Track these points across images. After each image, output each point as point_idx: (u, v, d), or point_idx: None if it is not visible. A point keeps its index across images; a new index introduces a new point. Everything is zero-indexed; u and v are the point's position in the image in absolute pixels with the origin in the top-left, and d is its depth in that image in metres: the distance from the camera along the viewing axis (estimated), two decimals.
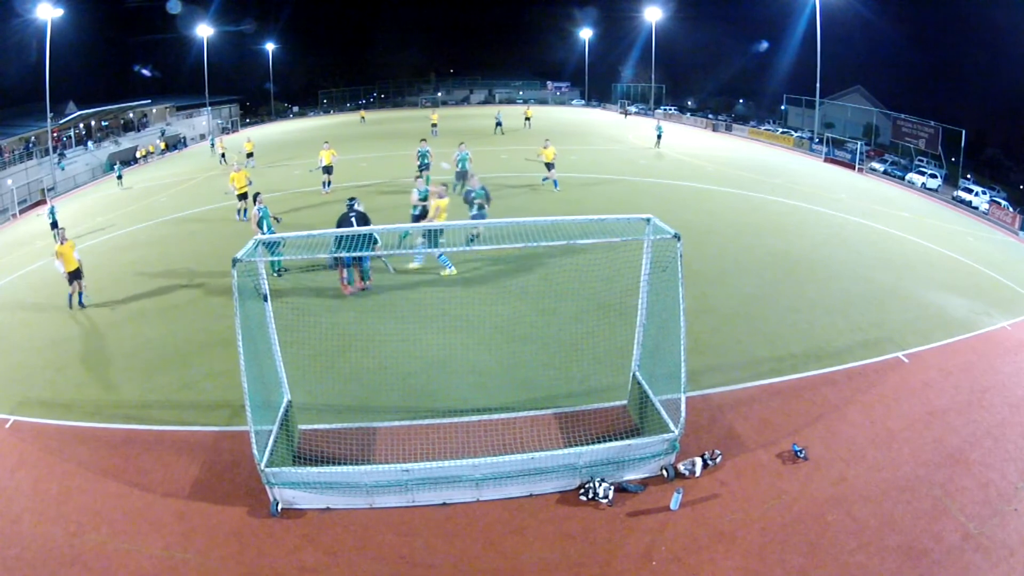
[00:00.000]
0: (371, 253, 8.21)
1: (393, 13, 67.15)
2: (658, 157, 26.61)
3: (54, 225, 16.58)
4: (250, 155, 27.50)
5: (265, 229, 11.71)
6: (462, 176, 17.31)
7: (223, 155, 30.81)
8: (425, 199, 12.44)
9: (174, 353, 9.15)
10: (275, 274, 11.33)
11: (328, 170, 19.37)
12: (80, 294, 11.16)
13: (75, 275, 11.04)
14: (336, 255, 9.60)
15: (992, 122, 34.76)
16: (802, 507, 5.77)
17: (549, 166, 18.97)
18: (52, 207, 17.08)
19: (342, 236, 7.95)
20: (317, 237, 6.23)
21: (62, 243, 11.06)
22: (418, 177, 13.86)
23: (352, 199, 11.27)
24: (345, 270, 10.72)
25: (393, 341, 8.74)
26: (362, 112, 51.99)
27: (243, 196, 16.55)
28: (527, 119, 38.02)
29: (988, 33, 34.15)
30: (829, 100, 40.15)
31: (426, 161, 19.02)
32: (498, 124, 35.26)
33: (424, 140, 19.78)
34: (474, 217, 11.92)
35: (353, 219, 10.79)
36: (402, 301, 10.21)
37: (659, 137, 30.37)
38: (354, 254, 9.01)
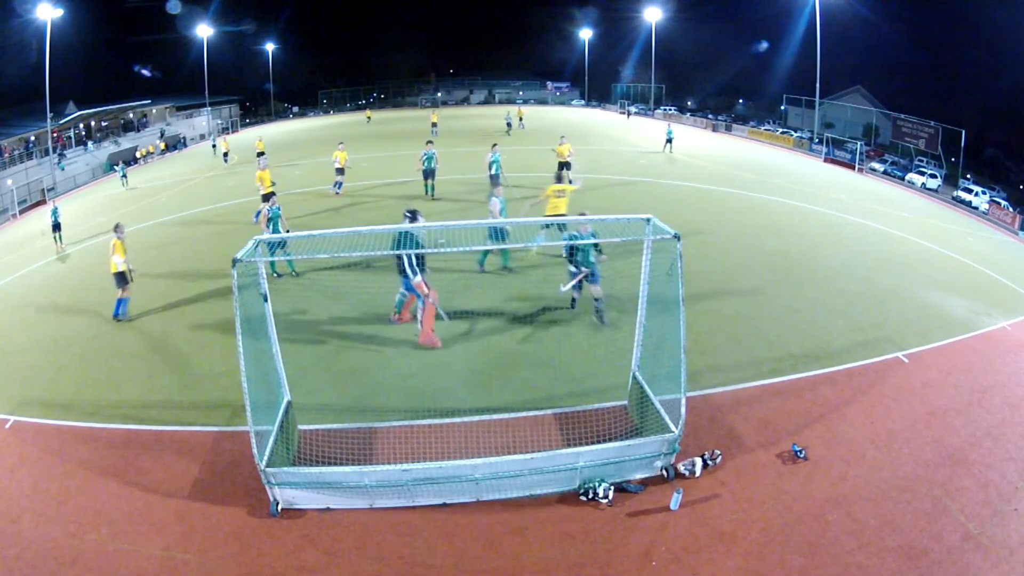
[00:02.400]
0: (420, 251, 7.61)
1: (393, 13, 67.18)
2: (669, 161, 25.82)
3: (56, 227, 16.02)
4: (261, 154, 27.39)
5: (272, 230, 11.53)
6: (495, 180, 16.52)
7: (226, 154, 30.85)
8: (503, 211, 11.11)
9: (174, 353, 9.15)
10: (274, 274, 11.30)
11: (340, 171, 19.01)
12: (127, 300, 10.56)
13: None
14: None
15: (992, 122, 34.75)
16: (802, 507, 5.77)
17: (565, 165, 18.28)
18: (55, 208, 16.44)
19: (401, 240, 7.43)
20: (319, 238, 6.22)
21: (120, 237, 10.61)
22: (497, 186, 11.67)
23: (413, 211, 8.98)
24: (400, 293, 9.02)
25: (393, 341, 8.75)
26: (368, 112, 51.97)
27: (268, 196, 16.01)
28: (520, 119, 38.09)
29: (988, 33, 34.14)
30: (829, 100, 40.18)
31: (432, 166, 17.54)
32: (508, 124, 35.23)
33: (430, 142, 18.24)
34: (589, 278, 9.09)
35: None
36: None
37: (669, 141, 27.78)
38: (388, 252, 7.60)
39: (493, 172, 16.50)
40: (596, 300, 9.20)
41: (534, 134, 34.01)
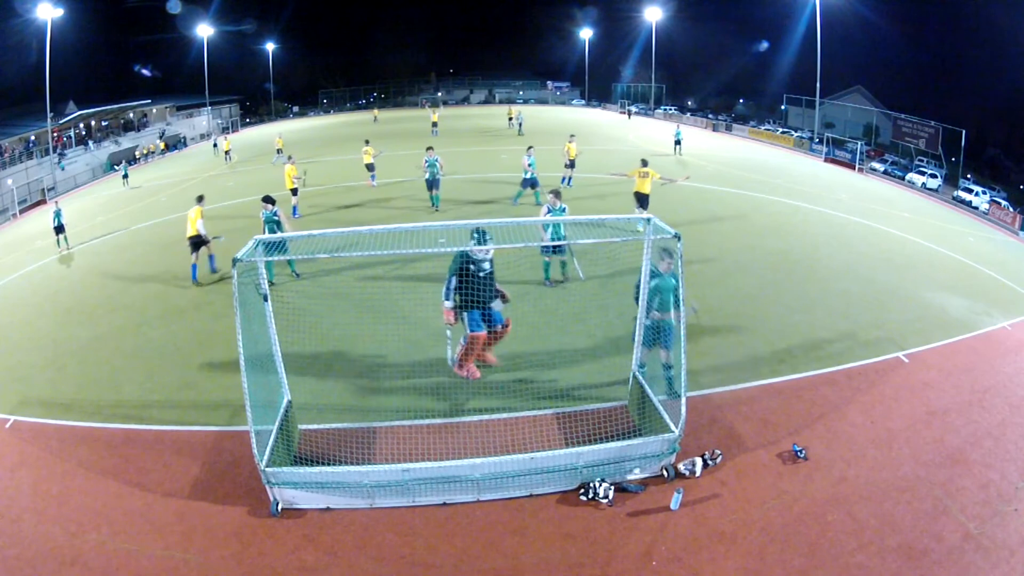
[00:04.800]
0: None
1: (393, 13, 67.26)
2: (675, 163, 25.44)
3: (59, 229, 15.63)
4: (279, 151, 27.69)
5: (266, 233, 11.30)
6: (530, 184, 16.36)
7: (227, 153, 30.94)
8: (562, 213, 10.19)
9: (174, 353, 9.15)
10: (270, 282, 11.16)
11: (370, 167, 20.28)
12: (212, 257, 12.47)
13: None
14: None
15: (992, 122, 34.78)
16: (802, 507, 5.76)
17: (571, 163, 18.72)
18: (58, 209, 16.03)
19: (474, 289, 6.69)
20: (318, 238, 6.21)
21: (202, 207, 12.36)
22: (553, 192, 10.47)
23: (481, 232, 6.92)
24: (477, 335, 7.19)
25: (393, 341, 8.75)
26: (375, 111, 52.04)
27: (295, 191, 16.93)
28: (510, 119, 37.97)
29: (988, 33, 34.16)
30: (829, 100, 40.20)
31: (436, 175, 16.26)
32: (519, 124, 34.96)
33: (431, 148, 16.86)
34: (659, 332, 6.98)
35: (477, 270, 6.95)
36: (403, 300, 10.19)
37: (678, 143, 27.33)
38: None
39: (530, 175, 16.25)
40: (667, 367, 6.94)
41: (534, 135, 33.96)
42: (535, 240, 8.47)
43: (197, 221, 12.03)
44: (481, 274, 6.94)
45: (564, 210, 10.27)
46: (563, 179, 19.03)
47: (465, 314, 7.11)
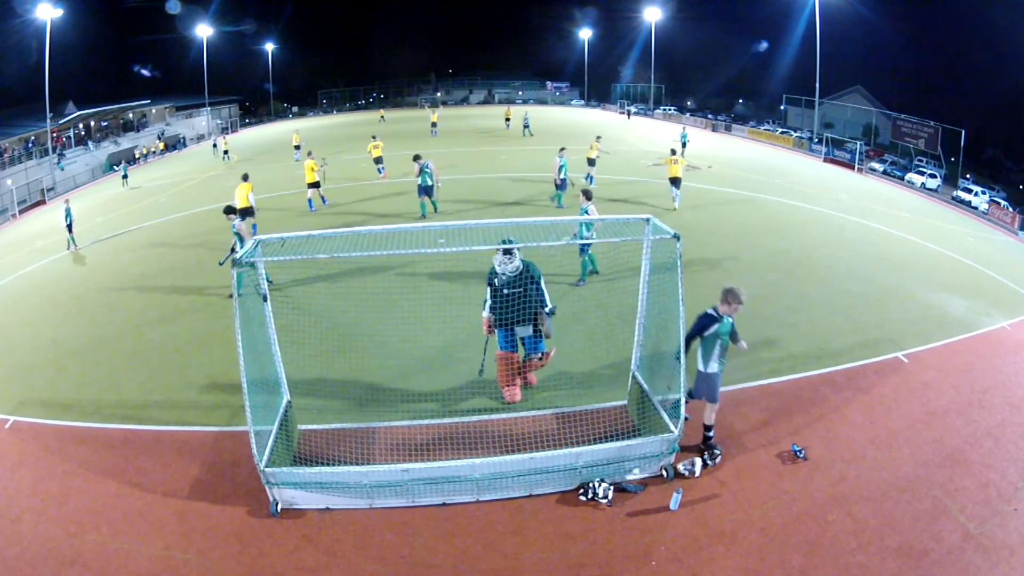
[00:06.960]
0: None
1: (393, 13, 67.35)
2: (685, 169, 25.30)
3: (70, 228, 15.71)
4: (297, 147, 27.98)
5: (241, 243, 10.70)
6: (563, 187, 16.26)
7: (226, 152, 31.03)
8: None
9: (174, 353, 9.15)
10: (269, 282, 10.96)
11: (379, 160, 21.61)
12: (254, 226, 13.62)
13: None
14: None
15: (992, 122, 34.79)
16: (802, 507, 5.76)
17: (591, 162, 19.00)
18: (68, 207, 16.10)
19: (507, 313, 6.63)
20: (318, 238, 6.21)
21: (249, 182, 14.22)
22: (583, 192, 10.49)
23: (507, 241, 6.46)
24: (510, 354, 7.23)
25: (393, 341, 8.74)
26: (382, 111, 52.25)
27: (314, 185, 17.32)
28: (508, 120, 37.90)
29: (988, 33, 34.18)
30: (829, 100, 40.22)
31: (427, 180, 15.27)
32: (526, 126, 34.63)
33: (418, 156, 15.71)
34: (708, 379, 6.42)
35: (501, 286, 6.88)
36: (403, 300, 10.19)
37: (684, 145, 26.32)
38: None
39: (562, 176, 16.17)
40: (708, 431, 6.38)
41: (536, 136, 33.96)
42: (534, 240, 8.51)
43: (249, 194, 13.98)
44: (505, 291, 6.85)
45: (586, 211, 10.19)
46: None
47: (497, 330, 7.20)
